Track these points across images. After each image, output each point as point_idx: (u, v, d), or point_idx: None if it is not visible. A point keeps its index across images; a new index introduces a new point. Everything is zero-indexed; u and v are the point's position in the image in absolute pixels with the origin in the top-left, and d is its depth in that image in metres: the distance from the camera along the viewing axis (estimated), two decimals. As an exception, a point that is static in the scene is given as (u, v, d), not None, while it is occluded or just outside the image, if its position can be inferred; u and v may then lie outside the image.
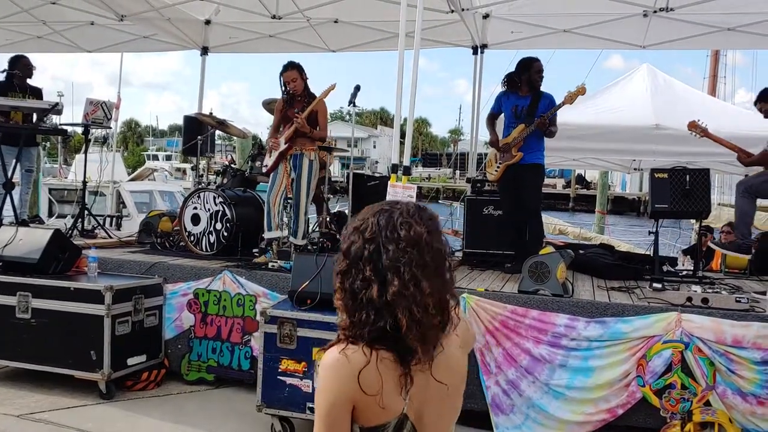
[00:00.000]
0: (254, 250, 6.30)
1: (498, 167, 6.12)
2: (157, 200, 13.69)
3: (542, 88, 6.03)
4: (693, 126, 5.99)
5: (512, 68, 6.15)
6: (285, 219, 5.99)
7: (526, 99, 5.98)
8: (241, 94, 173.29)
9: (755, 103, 6.11)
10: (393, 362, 1.52)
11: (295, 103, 5.88)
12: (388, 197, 4.47)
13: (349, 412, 1.52)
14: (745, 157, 5.98)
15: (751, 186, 5.82)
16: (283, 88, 5.91)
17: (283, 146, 5.86)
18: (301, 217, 5.82)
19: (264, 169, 6.09)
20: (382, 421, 1.53)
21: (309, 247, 6.27)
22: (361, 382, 1.49)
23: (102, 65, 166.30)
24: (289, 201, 5.96)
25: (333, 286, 1.61)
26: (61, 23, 8.87)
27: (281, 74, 5.86)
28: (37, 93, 7.45)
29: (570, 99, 5.83)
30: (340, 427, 1.52)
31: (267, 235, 5.91)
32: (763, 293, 4.82)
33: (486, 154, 11.27)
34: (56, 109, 6.60)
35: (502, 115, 6.24)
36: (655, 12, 7.06)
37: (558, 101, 5.91)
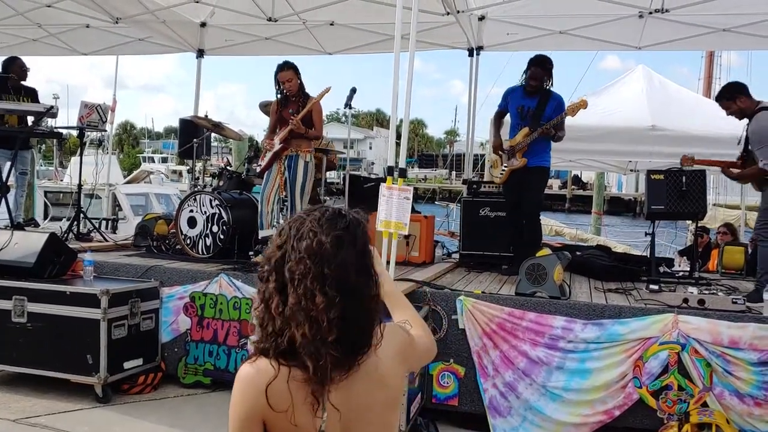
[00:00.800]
0: (250, 253, 6.29)
1: (503, 170, 6.09)
2: (153, 203, 13.64)
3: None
4: (685, 160, 5.93)
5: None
6: (281, 220, 5.99)
7: (533, 100, 5.91)
8: (237, 96, 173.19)
9: (717, 100, 5.79)
10: (303, 377, 1.43)
11: (290, 103, 5.90)
12: (383, 199, 4.47)
13: (260, 429, 1.46)
14: (730, 172, 5.77)
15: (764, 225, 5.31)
16: (278, 87, 5.92)
17: (277, 146, 5.87)
18: None
19: (258, 170, 6.11)
20: None
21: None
22: (269, 398, 1.41)
23: (98, 67, 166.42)
24: (285, 202, 5.96)
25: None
26: (57, 26, 8.85)
27: (276, 74, 5.87)
28: (31, 94, 7.43)
29: (572, 111, 5.78)
30: None
31: (261, 233, 5.93)
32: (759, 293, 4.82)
33: (482, 155, 11.30)
34: (51, 112, 6.58)
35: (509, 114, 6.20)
36: (650, 13, 7.06)
37: (564, 106, 5.88)
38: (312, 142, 6.00)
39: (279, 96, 5.96)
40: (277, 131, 5.95)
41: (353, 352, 1.45)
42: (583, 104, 5.78)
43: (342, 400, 1.45)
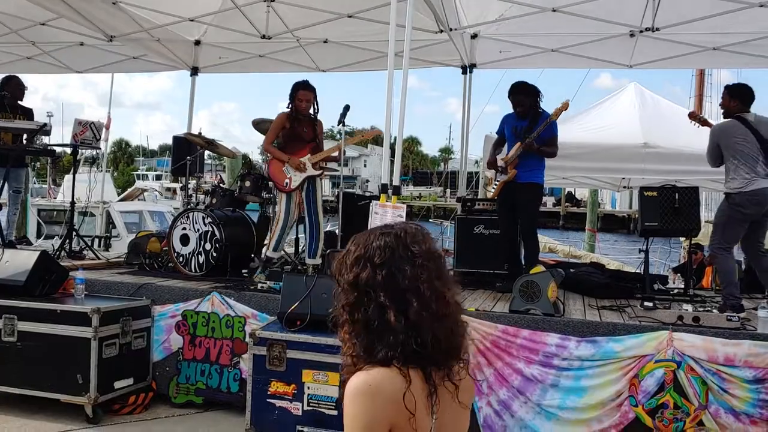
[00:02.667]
0: (243, 271, 6.26)
1: (496, 184, 6.16)
2: (147, 220, 13.61)
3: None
4: (693, 116, 5.89)
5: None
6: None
7: (525, 120, 6.00)
8: (232, 114, 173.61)
9: (725, 88, 5.66)
10: (421, 381, 1.50)
11: (302, 122, 6.05)
12: (376, 217, 4.46)
13: None
14: None
15: (719, 240, 5.27)
16: (293, 103, 6.02)
17: (314, 171, 6.05)
18: (321, 237, 6.10)
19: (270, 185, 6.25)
20: None
21: (299, 268, 6.24)
22: (407, 403, 1.46)
23: (93, 85, 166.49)
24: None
25: (337, 318, 1.59)
26: (51, 44, 8.86)
27: (297, 89, 5.99)
28: (28, 114, 7.41)
29: (555, 115, 5.83)
30: None
31: (272, 254, 6.04)
32: (755, 310, 4.82)
33: (476, 173, 11.33)
34: (44, 129, 6.57)
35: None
36: (641, 32, 7.12)
37: (555, 125, 5.91)
38: None
39: (292, 111, 6.05)
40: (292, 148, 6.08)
41: (455, 355, 1.57)
42: (564, 106, 5.82)
43: (446, 402, 1.54)
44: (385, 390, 1.47)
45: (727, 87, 5.51)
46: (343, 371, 1.57)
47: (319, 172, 6.09)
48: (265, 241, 6.27)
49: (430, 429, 1.51)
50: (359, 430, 1.47)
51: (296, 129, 6.03)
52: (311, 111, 6.09)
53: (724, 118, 5.47)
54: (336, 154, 6.20)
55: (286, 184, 6.05)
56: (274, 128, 6.14)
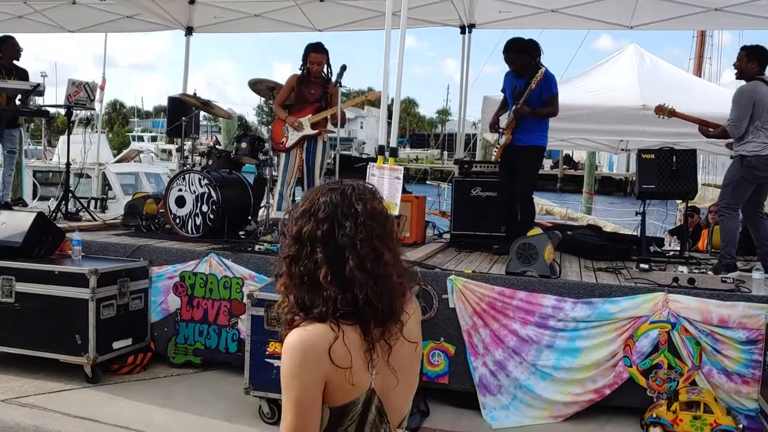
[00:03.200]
0: (240, 232, 6.26)
1: (497, 148, 6.13)
2: (143, 182, 13.56)
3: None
4: (660, 110, 5.89)
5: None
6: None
7: (522, 80, 5.90)
8: (227, 75, 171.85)
9: (741, 49, 5.49)
10: (358, 337, 1.52)
11: (312, 84, 6.02)
12: (373, 179, 4.44)
13: (320, 393, 1.51)
14: (706, 129, 5.73)
15: (728, 201, 5.29)
16: (305, 65, 6.01)
17: (311, 131, 6.01)
18: None
19: (266, 146, 6.25)
20: (352, 398, 1.53)
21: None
22: (333, 358, 1.48)
23: (87, 45, 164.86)
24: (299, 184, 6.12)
25: (277, 270, 1.60)
26: (42, 2, 8.70)
27: (308, 52, 5.97)
28: (23, 74, 7.32)
29: (534, 82, 5.70)
30: (312, 411, 1.50)
31: (276, 214, 6.03)
32: (749, 272, 4.85)
33: (474, 135, 11.28)
34: (38, 90, 6.49)
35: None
36: (642, -9, 7.02)
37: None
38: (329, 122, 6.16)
39: (302, 72, 6.04)
40: (299, 107, 6.04)
41: (394, 310, 1.57)
42: (540, 76, 5.68)
43: (385, 357, 1.55)
44: (317, 345, 1.48)
45: (745, 48, 5.39)
46: (283, 327, 1.58)
47: (316, 131, 6.06)
48: (270, 202, 6.26)
49: (370, 384, 1.53)
50: (295, 387, 1.48)
51: (303, 90, 6.05)
52: (324, 73, 6.04)
53: (738, 79, 5.41)
54: (335, 113, 6.06)
55: (282, 143, 6.11)
56: (284, 89, 6.21)
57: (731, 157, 5.45)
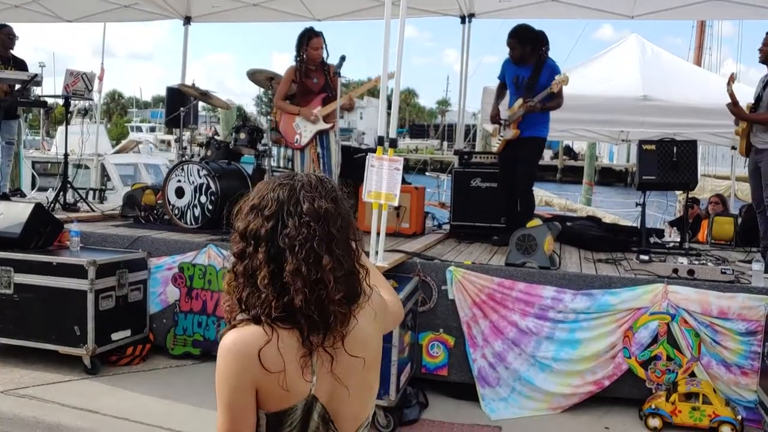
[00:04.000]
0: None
1: (499, 140, 6.08)
2: (142, 173, 13.54)
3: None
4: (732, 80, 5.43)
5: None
6: None
7: (527, 69, 5.82)
8: (226, 65, 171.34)
9: None
10: (296, 342, 1.45)
11: (312, 73, 5.81)
12: (372, 170, 4.42)
13: (253, 397, 1.45)
14: (741, 109, 5.31)
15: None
16: (302, 54, 5.82)
17: (324, 125, 5.83)
18: None
19: (265, 137, 6.13)
20: (289, 405, 1.46)
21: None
22: (263, 361, 1.41)
23: (86, 35, 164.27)
24: None
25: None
26: (40, -9, 8.65)
27: (306, 39, 5.79)
28: (20, 65, 7.28)
29: (555, 86, 5.61)
30: (244, 415, 1.44)
31: None
32: (749, 263, 4.84)
33: (474, 126, 11.24)
34: (35, 80, 6.46)
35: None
36: (644, -19, 6.98)
37: (558, 72, 5.78)
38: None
39: (299, 62, 5.85)
40: (305, 101, 5.89)
41: (336, 312, 1.47)
42: (565, 80, 5.63)
43: (331, 362, 1.48)
44: (248, 347, 1.42)
45: None
46: (226, 320, 1.53)
47: (330, 125, 5.89)
48: None
49: (309, 390, 1.46)
50: (225, 389, 1.44)
51: (305, 81, 5.86)
52: (323, 59, 5.88)
53: (763, 63, 5.27)
54: (345, 104, 5.92)
55: (296, 140, 5.96)
56: (283, 82, 6.03)
57: (757, 150, 5.26)
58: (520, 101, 5.79)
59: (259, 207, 1.48)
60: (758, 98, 5.29)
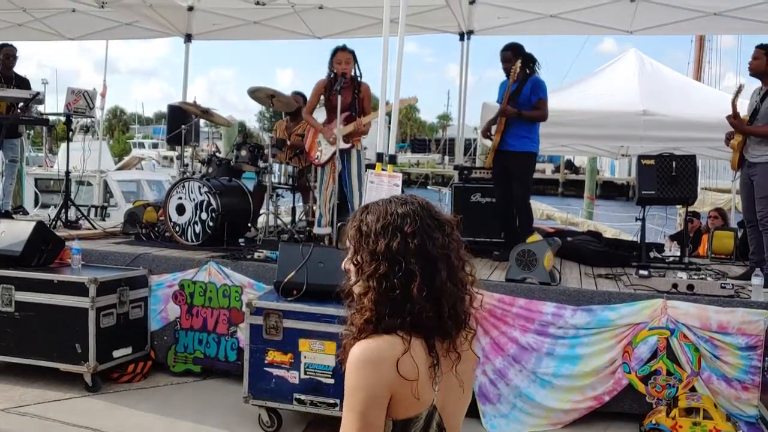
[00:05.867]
0: (240, 240, 6.26)
1: (488, 152, 6.15)
2: (145, 189, 13.57)
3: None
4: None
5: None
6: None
7: (515, 84, 5.90)
8: (229, 81, 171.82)
9: (758, 47, 5.31)
10: (424, 351, 1.51)
11: (342, 89, 5.75)
12: (372, 186, 4.44)
13: (386, 405, 1.49)
14: (741, 123, 5.30)
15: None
16: (331, 68, 5.81)
17: (344, 145, 5.78)
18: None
19: (266, 153, 6.08)
20: (416, 413, 1.51)
21: (295, 237, 6.25)
22: (401, 370, 1.46)
23: (89, 52, 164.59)
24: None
25: (356, 289, 1.57)
26: (42, 10, 8.73)
27: (333, 54, 5.80)
28: (23, 83, 7.33)
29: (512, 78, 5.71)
30: (376, 422, 1.48)
31: (317, 230, 5.91)
32: (748, 278, 4.84)
33: (474, 140, 11.28)
34: (37, 98, 6.51)
35: None
36: (641, -3, 7.04)
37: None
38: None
39: (331, 77, 5.81)
40: (330, 119, 5.87)
41: (460, 324, 1.58)
42: (516, 68, 5.67)
43: (448, 373, 1.55)
44: (388, 357, 1.47)
45: (765, 47, 5.22)
46: (346, 339, 1.57)
47: (349, 145, 5.81)
48: (270, 209, 6.23)
49: (432, 400, 1.52)
50: (362, 397, 1.47)
51: (332, 98, 5.80)
52: (352, 75, 5.82)
53: (753, 77, 5.30)
54: (366, 125, 5.87)
55: (317, 157, 5.95)
56: (313, 95, 6.03)
57: (750, 164, 5.27)
58: (500, 108, 5.88)
59: (395, 225, 1.53)
60: (755, 111, 5.30)
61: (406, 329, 1.50)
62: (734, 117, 5.34)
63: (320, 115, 6.22)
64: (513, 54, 5.88)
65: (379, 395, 1.47)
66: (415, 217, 1.54)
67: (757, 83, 5.42)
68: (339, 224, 5.73)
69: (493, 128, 6.06)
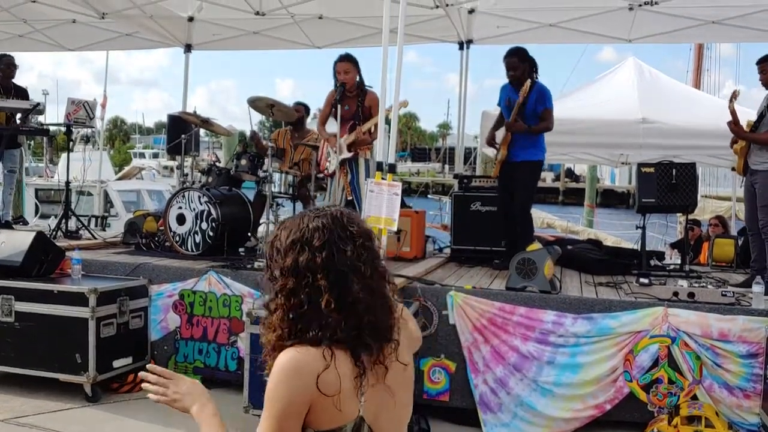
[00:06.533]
0: (240, 250, 6.26)
1: (495, 163, 6.15)
2: (146, 199, 13.58)
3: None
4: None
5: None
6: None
7: (518, 92, 5.87)
8: (229, 91, 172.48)
9: (758, 62, 5.34)
10: (350, 363, 1.50)
11: (347, 99, 5.76)
12: (372, 195, 4.44)
13: (303, 415, 1.49)
14: (742, 129, 5.30)
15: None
16: (335, 79, 5.81)
17: (347, 154, 5.78)
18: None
19: (266, 162, 6.04)
20: (339, 424, 1.50)
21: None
22: (320, 383, 1.46)
23: (90, 62, 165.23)
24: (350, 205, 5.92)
25: (270, 305, 1.57)
26: (43, 21, 8.76)
27: (334, 64, 5.79)
28: (22, 93, 7.35)
29: (522, 96, 5.66)
30: (290, 431, 1.49)
31: None
32: (749, 286, 4.83)
33: (474, 149, 11.31)
34: (38, 109, 6.52)
35: None
36: (640, 6, 7.06)
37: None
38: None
39: (337, 87, 5.80)
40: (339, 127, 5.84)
41: (385, 336, 1.56)
42: (525, 90, 5.62)
43: (377, 384, 1.54)
44: (309, 369, 1.47)
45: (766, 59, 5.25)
46: (269, 347, 1.56)
47: (351, 154, 5.81)
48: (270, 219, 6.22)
49: (359, 411, 1.51)
50: (279, 406, 1.48)
51: (338, 107, 5.78)
52: (355, 82, 5.81)
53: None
54: (369, 132, 5.84)
55: (326, 167, 5.96)
56: (324, 106, 6.05)
57: (752, 171, 5.29)
58: (506, 122, 5.85)
59: (304, 240, 1.53)
60: (761, 116, 5.30)
61: (326, 342, 1.49)
62: (734, 123, 5.34)
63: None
64: (519, 59, 5.84)
65: (297, 405, 1.48)
66: (324, 230, 1.52)
67: None
68: None
69: (498, 136, 6.05)
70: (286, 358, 1.50)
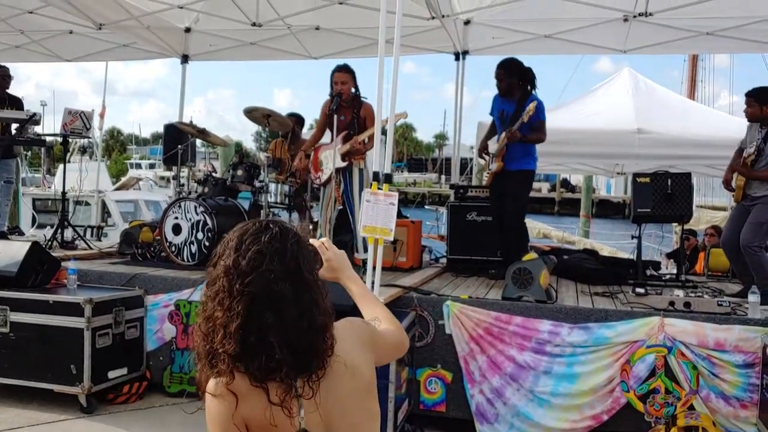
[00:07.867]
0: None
1: (487, 174, 6.15)
2: (143, 209, 13.55)
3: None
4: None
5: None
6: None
7: (512, 104, 5.91)
8: (227, 101, 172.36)
9: (748, 95, 5.39)
10: (277, 387, 1.48)
11: (342, 109, 5.75)
12: (368, 205, 4.44)
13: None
14: (745, 168, 5.34)
15: (761, 240, 5.16)
16: (332, 89, 5.81)
17: (341, 163, 5.76)
18: (360, 230, 5.79)
19: (262, 173, 6.02)
20: None
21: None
22: (243, 408, 1.48)
23: (88, 73, 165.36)
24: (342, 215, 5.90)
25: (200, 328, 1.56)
26: (40, 32, 8.77)
27: (332, 74, 5.80)
28: (16, 103, 7.34)
29: (526, 116, 5.65)
30: None
31: (358, 256, 5.72)
32: (745, 296, 4.84)
33: (470, 159, 11.34)
34: (34, 119, 6.51)
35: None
36: (634, 17, 7.10)
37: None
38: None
39: (332, 97, 5.80)
40: (335, 136, 5.82)
41: (309, 355, 1.49)
42: (531, 110, 5.60)
43: (323, 394, 1.50)
44: (222, 417, 1.50)
45: (754, 95, 5.30)
46: (202, 370, 1.56)
47: (345, 164, 5.78)
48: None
49: (299, 424, 1.48)
50: (215, 429, 1.51)
51: (334, 117, 5.76)
52: (351, 93, 5.79)
53: (756, 121, 5.34)
54: (363, 142, 5.78)
55: (319, 177, 5.94)
56: (320, 116, 6.04)
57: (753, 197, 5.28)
58: (503, 135, 5.86)
59: (226, 264, 1.54)
60: (759, 151, 5.27)
61: (255, 371, 1.47)
62: (743, 166, 5.35)
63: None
64: (506, 72, 5.91)
65: (233, 427, 1.49)
66: (245, 253, 1.50)
67: None
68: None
69: (492, 146, 6.06)
70: (212, 384, 1.51)
